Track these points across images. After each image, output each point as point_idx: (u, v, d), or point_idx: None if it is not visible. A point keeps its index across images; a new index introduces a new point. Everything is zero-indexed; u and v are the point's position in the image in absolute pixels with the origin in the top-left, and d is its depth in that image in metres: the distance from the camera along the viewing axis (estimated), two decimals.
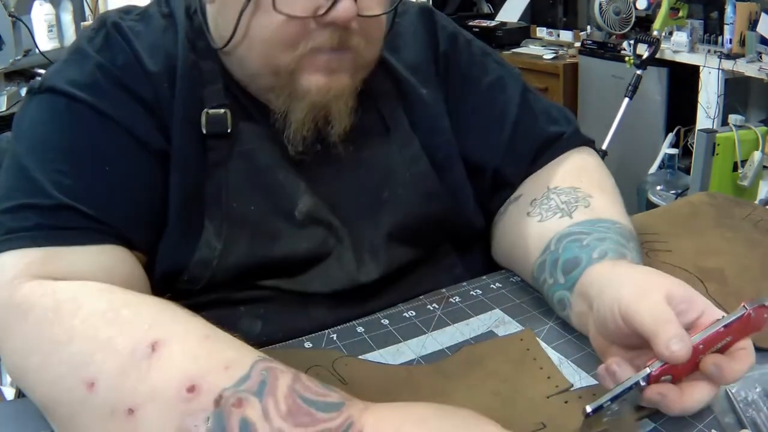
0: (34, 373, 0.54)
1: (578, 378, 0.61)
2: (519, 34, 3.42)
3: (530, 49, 3.31)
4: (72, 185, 0.63)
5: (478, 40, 0.89)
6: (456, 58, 0.84)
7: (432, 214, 0.79)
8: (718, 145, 1.93)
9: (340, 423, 0.46)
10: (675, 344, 0.52)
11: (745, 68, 2.40)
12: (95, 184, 0.64)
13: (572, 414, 0.55)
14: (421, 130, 0.80)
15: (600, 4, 2.91)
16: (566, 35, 3.28)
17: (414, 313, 0.73)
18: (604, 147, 2.55)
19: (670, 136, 2.75)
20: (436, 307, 0.74)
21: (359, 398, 0.49)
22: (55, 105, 0.67)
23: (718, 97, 2.51)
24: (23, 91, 2.11)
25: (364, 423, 0.46)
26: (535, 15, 3.57)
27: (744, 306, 0.54)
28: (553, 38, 3.33)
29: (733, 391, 0.57)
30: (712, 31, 2.61)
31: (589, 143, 0.88)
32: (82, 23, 2.55)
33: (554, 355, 0.65)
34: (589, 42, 3.04)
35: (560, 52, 3.21)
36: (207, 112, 0.70)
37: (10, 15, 2.10)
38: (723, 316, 0.54)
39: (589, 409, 0.52)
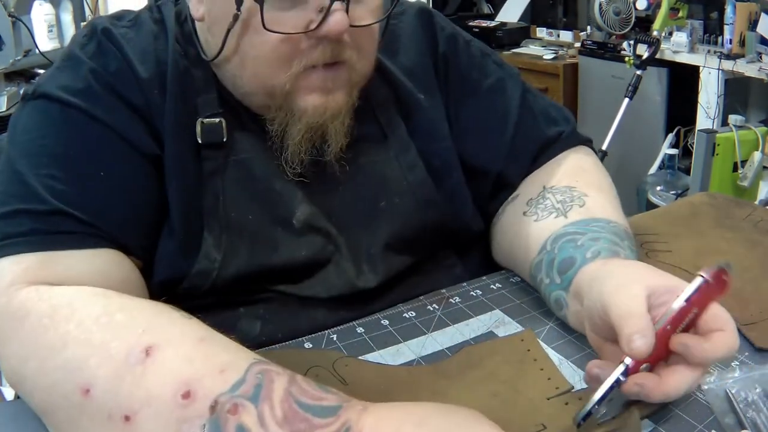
0: (32, 379, 0.54)
1: (578, 378, 0.61)
2: (519, 34, 3.42)
3: (530, 49, 3.31)
4: (66, 190, 0.63)
5: (477, 41, 0.88)
6: (455, 59, 0.84)
7: (429, 222, 0.79)
8: (718, 145, 1.93)
9: (338, 428, 0.46)
10: (636, 340, 0.52)
11: (745, 68, 2.39)
12: (89, 189, 0.64)
13: (572, 415, 0.55)
14: (419, 137, 0.80)
15: (600, 5, 2.90)
16: (566, 35, 3.27)
17: (414, 314, 0.73)
18: (604, 147, 2.55)
19: (670, 136, 2.75)
20: (436, 307, 0.74)
21: (359, 399, 0.49)
22: (49, 111, 0.67)
23: (718, 97, 2.51)
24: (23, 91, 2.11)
25: (363, 424, 0.46)
26: (535, 15, 3.56)
27: (700, 275, 0.54)
28: (553, 38, 3.33)
29: (733, 391, 0.57)
30: (712, 32, 2.61)
31: (587, 142, 0.88)
32: (82, 23, 2.54)
33: (554, 356, 0.65)
34: (589, 42, 3.03)
35: (560, 52, 3.20)
36: (202, 122, 0.70)
37: (10, 15, 2.09)
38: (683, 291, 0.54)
39: (578, 419, 0.52)
